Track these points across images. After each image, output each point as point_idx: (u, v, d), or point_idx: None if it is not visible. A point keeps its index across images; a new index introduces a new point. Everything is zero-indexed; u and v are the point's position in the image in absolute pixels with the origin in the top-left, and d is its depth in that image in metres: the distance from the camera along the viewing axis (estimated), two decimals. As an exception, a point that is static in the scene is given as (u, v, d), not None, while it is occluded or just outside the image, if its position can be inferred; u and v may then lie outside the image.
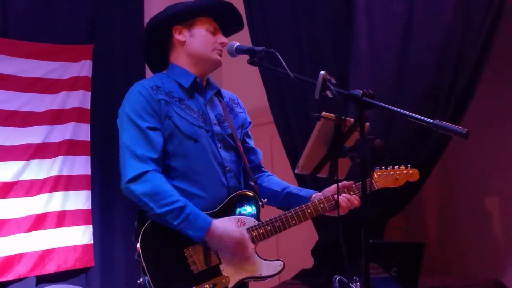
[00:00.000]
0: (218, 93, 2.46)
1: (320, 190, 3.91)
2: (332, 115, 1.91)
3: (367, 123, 1.78)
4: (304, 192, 2.41)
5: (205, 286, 2.12)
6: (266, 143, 4.72)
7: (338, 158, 1.87)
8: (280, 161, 4.40)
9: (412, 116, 1.72)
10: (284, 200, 2.42)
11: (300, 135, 4.15)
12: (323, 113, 1.91)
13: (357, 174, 1.76)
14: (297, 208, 2.29)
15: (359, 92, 1.75)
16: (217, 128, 2.33)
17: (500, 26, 3.42)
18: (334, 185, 2.30)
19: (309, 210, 2.29)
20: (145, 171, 2.15)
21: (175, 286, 2.12)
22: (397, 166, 2.47)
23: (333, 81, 1.85)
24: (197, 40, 2.34)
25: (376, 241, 3.57)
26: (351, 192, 2.34)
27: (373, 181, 2.40)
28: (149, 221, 2.16)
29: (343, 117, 1.85)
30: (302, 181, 4.11)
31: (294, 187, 2.46)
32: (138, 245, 2.12)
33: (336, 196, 2.24)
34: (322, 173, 1.98)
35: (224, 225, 2.18)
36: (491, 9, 3.36)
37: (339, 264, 3.63)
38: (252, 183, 2.36)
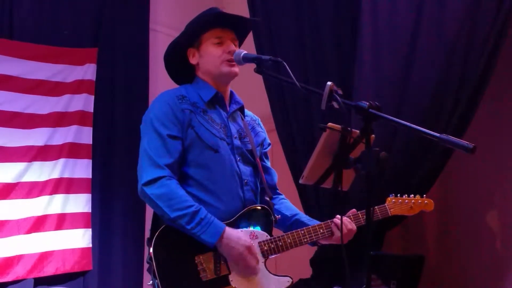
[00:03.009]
0: (241, 110, 2.49)
1: (320, 198, 3.97)
2: (338, 126, 1.91)
3: (373, 135, 1.78)
4: (314, 222, 2.44)
5: None
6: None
7: (342, 169, 1.88)
8: (281, 170, 4.38)
9: (419, 129, 1.72)
10: (291, 226, 2.45)
11: (302, 144, 4.15)
12: (329, 124, 1.92)
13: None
14: (309, 227, 2.33)
15: (365, 103, 1.76)
16: (237, 142, 2.37)
17: (507, 36, 3.43)
18: (345, 218, 2.36)
19: (321, 230, 2.34)
20: (161, 176, 2.18)
21: None
22: (412, 195, 2.56)
23: (340, 92, 1.85)
24: (205, 60, 2.39)
25: (375, 252, 3.57)
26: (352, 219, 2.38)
27: (387, 208, 2.47)
28: (163, 226, 2.18)
29: (349, 128, 1.86)
30: (303, 190, 4.12)
31: (304, 216, 2.50)
32: (151, 249, 2.14)
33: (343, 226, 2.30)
34: (326, 184, 1.98)
35: (237, 233, 2.21)
36: (498, 19, 3.36)
37: (337, 274, 3.63)
38: (268, 199, 2.38)
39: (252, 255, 2.19)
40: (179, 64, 2.44)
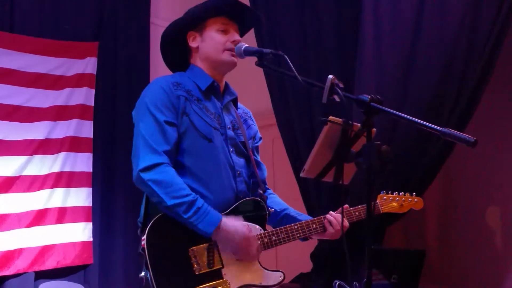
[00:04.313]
0: (235, 101, 2.47)
1: (321, 192, 3.97)
2: (339, 120, 1.90)
3: (374, 129, 1.78)
4: (303, 217, 2.42)
5: None
6: (268, 146, 4.72)
7: (343, 163, 1.87)
8: (282, 164, 4.40)
9: (420, 123, 1.71)
10: (281, 221, 2.43)
11: (303, 138, 4.15)
12: (331, 118, 1.91)
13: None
14: (302, 222, 2.32)
15: (367, 97, 1.74)
16: (230, 133, 2.34)
17: (509, 33, 3.42)
18: (337, 214, 2.35)
19: (314, 225, 2.32)
20: (159, 163, 2.14)
21: (175, 284, 2.11)
22: (403, 193, 2.56)
23: (341, 85, 1.84)
24: (207, 44, 2.34)
25: (376, 247, 3.57)
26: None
27: (379, 205, 2.48)
28: (156, 216, 2.14)
29: (350, 122, 1.85)
30: (303, 184, 4.11)
31: (293, 210, 2.48)
32: (143, 239, 2.11)
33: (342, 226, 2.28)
34: (327, 177, 1.98)
35: (233, 222, 2.18)
36: (499, 17, 3.35)
37: (338, 268, 3.63)
38: (261, 192, 2.36)
39: (252, 242, 2.17)
40: (176, 47, 2.40)
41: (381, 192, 2.52)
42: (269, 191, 2.56)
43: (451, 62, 3.48)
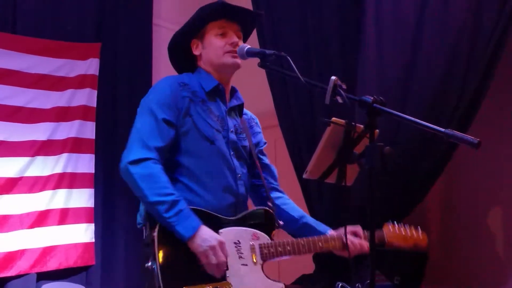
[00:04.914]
0: (241, 108, 2.49)
1: (322, 193, 3.97)
2: (342, 121, 1.90)
3: (377, 130, 1.77)
4: (322, 227, 2.47)
5: (209, 287, 2.13)
6: (270, 147, 4.69)
7: (346, 164, 1.87)
8: (284, 165, 4.39)
9: (424, 124, 1.72)
10: (300, 229, 2.46)
11: (305, 139, 4.15)
12: (333, 119, 1.91)
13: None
14: (309, 238, 2.35)
15: (369, 98, 1.75)
16: (232, 136, 2.36)
17: (511, 33, 3.41)
18: (350, 228, 2.40)
19: (320, 244, 2.36)
20: (148, 158, 2.15)
21: (179, 279, 2.11)
22: (408, 225, 2.60)
23: (344, 86, 1.84)
24: (208, 51, 2.38)
25: (379, 248, 3.56)
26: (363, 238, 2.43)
27: (385, 236, 2.51)
28: None
29: (353, 123, 1.85)
30: (305, 185, 4.11)
31: (311, 219, 2.52)
32: (155, 230, 2.10)
33: (346, 238, 2.33)
34: (330, 179, 1.98)
35: (211, 232, 2.14)
36: (501, 19, 3.35)
37: (340, 270, 3.63)
38: (270, 204, 2.39)
39: (217, 253, 2.11)
40: (183, 56, 2.44)
41: (388, 222, 2.54)
42: (285, 196, 2.58)
43: (453, 63, 3.47)
